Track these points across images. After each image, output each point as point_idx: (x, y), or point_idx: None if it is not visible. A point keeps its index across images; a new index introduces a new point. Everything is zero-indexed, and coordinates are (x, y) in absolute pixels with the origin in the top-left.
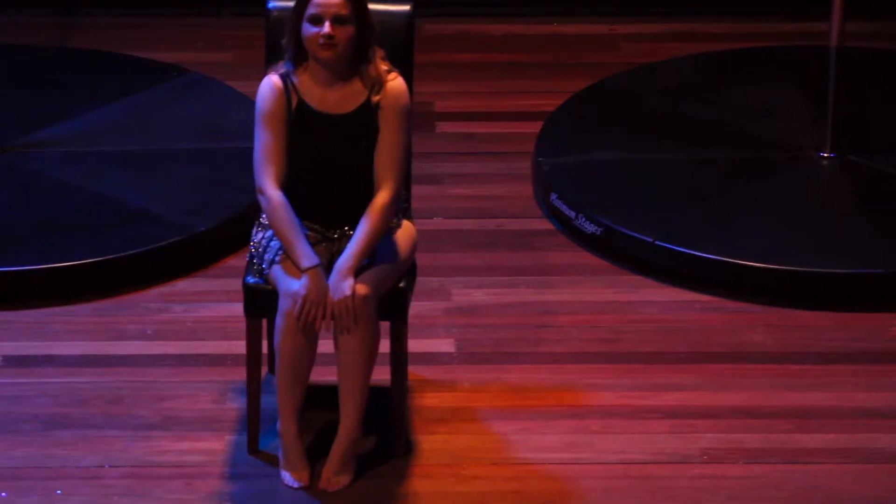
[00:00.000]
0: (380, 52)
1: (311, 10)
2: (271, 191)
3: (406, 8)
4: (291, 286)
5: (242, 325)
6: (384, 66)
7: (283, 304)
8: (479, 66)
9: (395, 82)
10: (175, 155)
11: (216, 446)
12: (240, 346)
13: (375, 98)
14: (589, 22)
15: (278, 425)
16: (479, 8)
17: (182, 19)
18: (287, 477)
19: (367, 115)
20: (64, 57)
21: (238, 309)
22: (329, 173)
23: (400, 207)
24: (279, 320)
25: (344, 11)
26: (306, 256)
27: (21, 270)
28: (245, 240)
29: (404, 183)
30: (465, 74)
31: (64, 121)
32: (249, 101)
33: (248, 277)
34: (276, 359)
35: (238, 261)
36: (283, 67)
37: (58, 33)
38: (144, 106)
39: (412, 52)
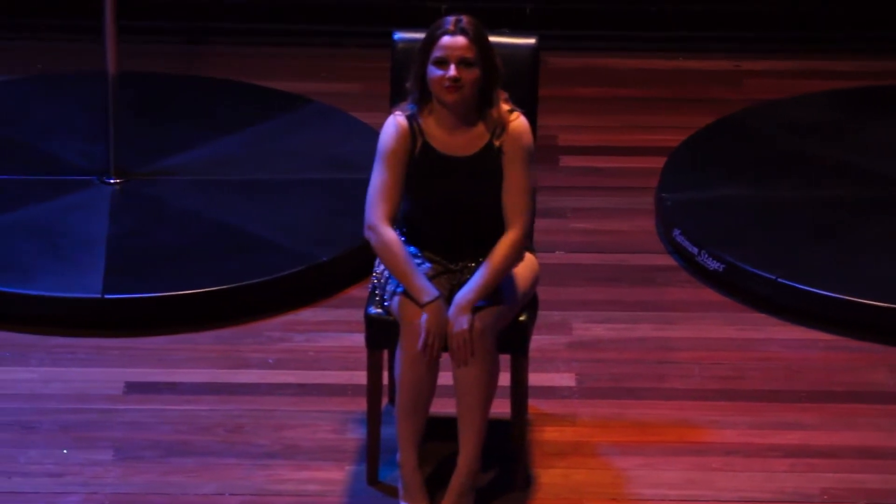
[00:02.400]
0: (503, 95)
1: (436, 53)
2: (383, 228)
3: (531, 41)
4: (412, 318)
5: (363, 356)
6: (507, 107)
7: (404, 336)
8: (602, 101)
9: (517, 122)
10: (299, 185)
11: (336, 476)
12: (360, 377)
13: (497, 142)
14: (714, 58)
15: (398, 456)
16: (604, 42)
17: (308, 49)
18: None
19: (489, 158)
20: (190, 85)
21: (359, 339)
22: (452, 214)
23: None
24: (400, 352)
25: (469, 54)
26: (424, 291)
27: (144, 297)
28: (367, 271)
29: (532, 222)
30: (588, 108)
31: (188, 149)
32: (373, 132)
33: (370, 308)
34: (396, 390)
35: (360, 291)
36: (408, 108)
37: (184, 62)
38: (269, 135)
39: (537, 86)
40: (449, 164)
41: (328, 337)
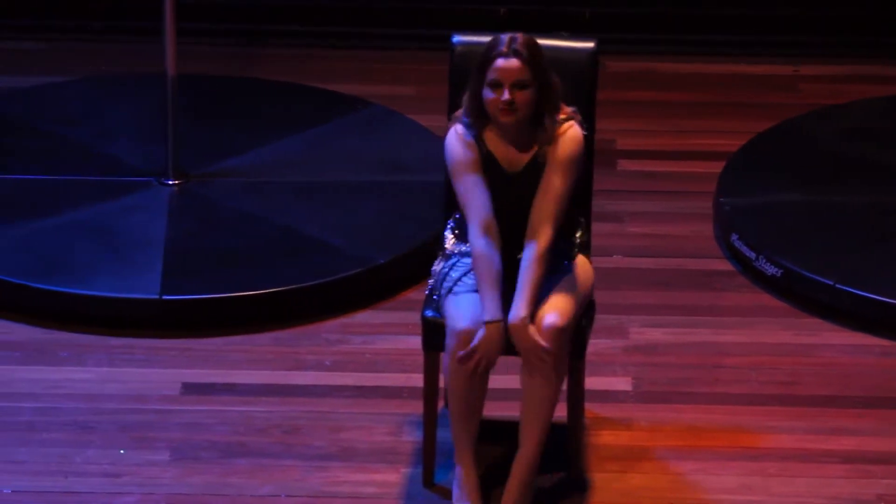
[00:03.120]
0: (565, 109)
1: (491, 75)
2: (474, 239)
3: (590, 45)
4: (458, 324)
5: (420, 359)
6: (563, 115)
7: (450, 343)
8: (661, 105)
9: (567, 132)
10: (356, 187)
11: (392, 478)
12: (417, 379)
13: (542, 152)
14: (771, 62)
15: (454, 458)
16: (663, 46)
17: (366, 52)
18: None
19: (533, 172)
20: (248, 88)
21: (416, 342)
22: (506, 222)
23: (574, 244)
24: (447, 358)
25: (524, 76)
26: (490, 310)
27: (202, 299)
28: (424, 273)
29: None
30: (646, 112)
31: (246, 151)
32: (431, 135)
33: (427, 311)
34: (447, 394)
35: (417, 294)
36: (464, 120)
37: (243, 64)
38: (327, 138)
39: (595, 89)
40: (504, 179)
41: (385, 339)
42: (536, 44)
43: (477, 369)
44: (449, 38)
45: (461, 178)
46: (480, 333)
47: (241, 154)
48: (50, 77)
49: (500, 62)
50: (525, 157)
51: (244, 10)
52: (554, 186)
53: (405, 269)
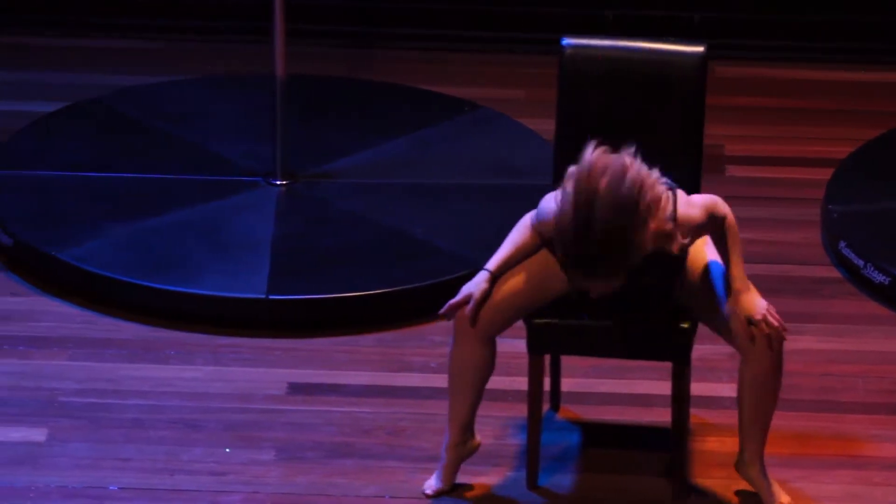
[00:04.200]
0: (661, 221)
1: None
2: (526, 220)
3: (700, 49)
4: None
5: (524, 361)
6: (666, 227)
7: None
8: (770, 111)
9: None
10: (463, 190)
11: (495, 481)
12: (521, 382)
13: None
14: (883, 69)
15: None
16: (772, 52)
17: (476, 55)
18: (429, 482)
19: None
20: (357, 89)
21: (521, 345)
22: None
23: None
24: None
25: (609, 288)
26: (491, 260)
27: (308, 299)
28: None
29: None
30: (755, 118)
31: (354, 152)
32: (539, 139)
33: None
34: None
35: None
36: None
37: (352, 66)
38: (435, 140)
39: (704, 94)
40: None
41: None
42: (614, 226)
43: (453, 311)
44: (559, 41)
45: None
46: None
47: (348, 155)
48: (162, 76)
49: (584, 284)
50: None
51: (355, 11)
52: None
53: None
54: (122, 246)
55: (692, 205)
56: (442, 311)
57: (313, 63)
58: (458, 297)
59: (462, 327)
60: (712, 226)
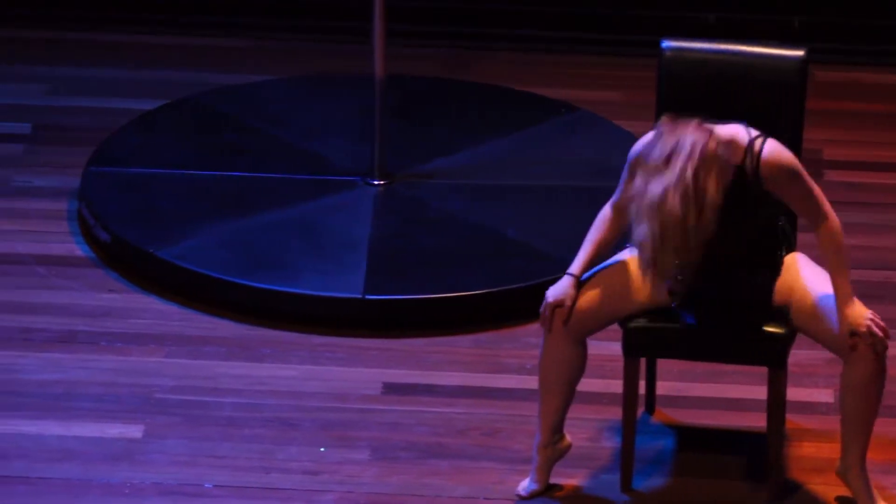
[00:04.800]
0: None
1: None
2: (605, 207)
3: (800, 53)
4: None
5: (620, 364)
6: (740, 144)
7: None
8: (869, 116)
9: (769, 155)
10: (560, 191)
11: (589, 484)
12: (616, 385)
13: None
14: None
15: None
16: (872, 57)
17: (574, 57)
18: (523, 483)
19: (738, 193)
20: (455, 90)
21: (616, 348)
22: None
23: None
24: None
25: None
26: (573, 263)
27: (404, 299)
28: None
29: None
30: (854, 123)
31: (452, 153)
32: (636, 141)
33: None
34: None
35: None
36: None
37: (451, 67)
38: (531, 141)
39: (804, 98)
40: None
41: None
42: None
43: (547, 325)
44: (658, 43)
45: (628, 167)
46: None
47: (446, 156)
48: (260, 75)
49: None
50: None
51: (455, 13)
52: (795, 192)
53: None
54: (219, 244)
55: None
56: (541, 323)
57: (412, 63)
58: (548, 306)
59: (553, 328)
60: (795, 186)
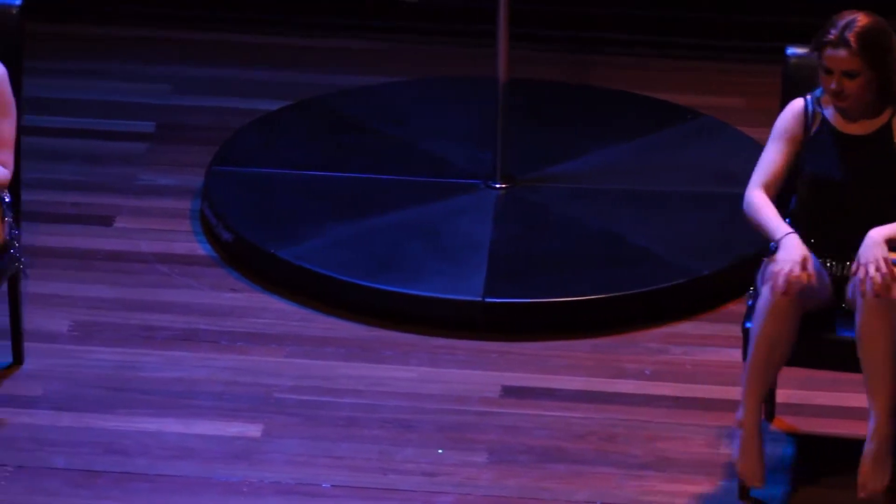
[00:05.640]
0: None
1: (823, 61)
2: (750, 192)
3: None
4: (772, 266)
5: (740, 371)
6: None
7: (765, 291)
8: None
9: None
10: (682, 197)
11: (707, 490)
12: (735, 392)
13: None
14: None
15: (740, 414)
16: None
17: (698, 62)
18: (742, 475)
19: (886, 138)
20: (579, 94)
21: (737, 355)
22: (843, 197)
23: None
24: (760, 304)
25: (852, 66)
26: (779, 229)
27: (524, 303)
28: (747, 286)
29: None
30: None
31: (574, 157)
32: (760, 147)
33: (748, 323)
34: (749, 344)
35: (738, 307)
36: (816, 91)
37: (575, 71)
38: (655, 147)
39: None
40: (845, 142)
41: (706, 351)
42: (875, 30)
43: (790, 289)
44: (783, 50)
45: (771, 144)
46: (780, 251)
47: (568, 160)
48: (384, 77)
49: (828, 52)
50: (877, 123)
51: (578, 17)
52: None
53: (728, 281)
54: (340, 245)
55: None
56: (782, 288)
57: (535, 67)
58: (796, 264)
59: (781, 304)
60: None
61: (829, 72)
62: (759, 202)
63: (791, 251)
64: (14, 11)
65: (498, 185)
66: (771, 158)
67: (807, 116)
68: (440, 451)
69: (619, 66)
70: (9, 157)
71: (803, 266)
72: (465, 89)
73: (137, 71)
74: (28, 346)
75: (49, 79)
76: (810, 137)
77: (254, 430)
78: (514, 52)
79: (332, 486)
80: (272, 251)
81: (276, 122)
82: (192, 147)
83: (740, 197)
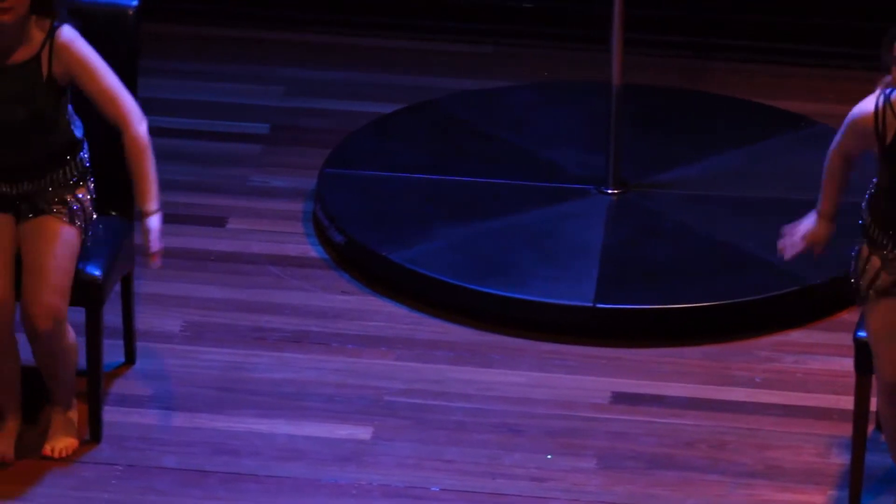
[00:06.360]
0: None
1: None
2: (831, 153)
3: None
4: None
5: (851, 381)
6: None
7: (883, 369)
8: None
9: None
10: (795, 205)
11: (816, 500)
12: (847, 402)
13: None
14: None
15: None
16: None
17: (811, 69)
18: None
19: None
20: (693, 101)
21: (848, 364)
22: None
23: None
24: (879, 385)
25: None
26: (818, 205)
27: (635, 309)
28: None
29: None
30: None
31: (687, 164)
32: (873, 157)
33: (860, 332)
34: (879, 418)
35: (851, 316)
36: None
37: (689, 77)
38: (768, 154)
39: None
40: None
41: (817, 360)
42: None
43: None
44: None
45: (842, 130)
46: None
47: (681, 166)
48: (495, 80)
49: None
50: None
51: (694, 23)
52: None
53: (840, 289)
54: (452, 249)
55: None
56: (786, 254)
57: (648, 72)
58: (806, 236)
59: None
60: None
61: None
62: (829, 172)
63: (801, 226)
64: (131, 12)
65: (610, 191)
66: (842, 144)
67: (877, 119)
68: (549, 456)
69: (733, 72)
70: (129, 102)
71: (805, 240)
72: (578, 94)
73: (252, 72)
74: (140, 345)
75: (164, 80)
76: (887, 145)
77: (363, 432)
78: (627, 57)
79: (441, 489)
80: (384, 254)
81: (389, 124)
82: (306, 149)
83: (852, 205)
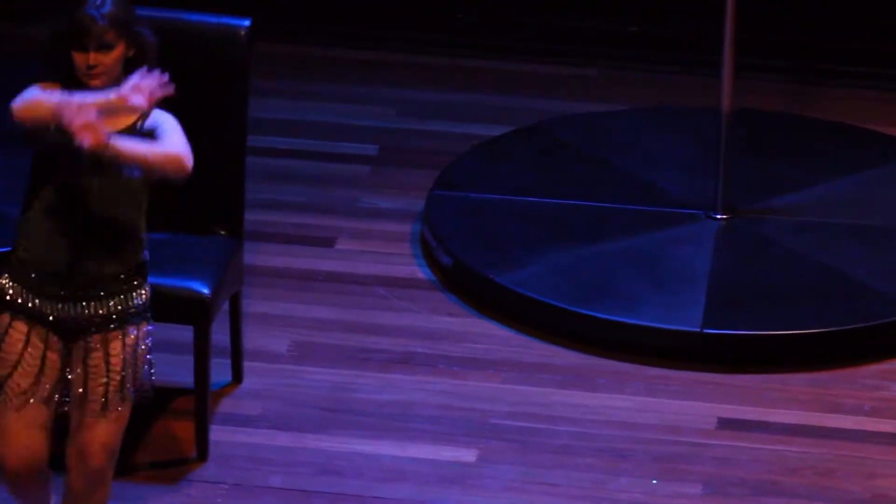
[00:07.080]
0: None
1: None
2: None
3: None
4: None
5: None
6: None
7: None
8: None
9: None
10: None
11: None
12: None
13: None
14: None
15: None
16: None
17: None
18: None
19: None
20: (802, 126)
21: None
22: None
23: None
24: None
25: None
26: None
27: (742, 335)
28: None
29: None
30: None
31: (797, 189)
32: None
33: None
34: None
35: None
36: None
37: (799, 102)
38: (879, 181)
39: None
40: None
41: None
42: None
43: None
44: None
45: None
46: None
47: (791, 192)
48: (602, 104)
49: None
50: None
51: (803, 47)
52: None
53: None
54: (558, 272)
55: None
56: None
57: (758, 97)
58: None
59: None
60: None
61: None
62: None
63: None
64: (243, 32)
65: (719, 216)
66: None
67: None
68: (654, 481)
69: (844, 97)
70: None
71: None
72: (686, 118)
73: (362, 93)
74: (247, 364)
75: (274, 100)
76: None
77: (468, 454)
78: (736, 81)
79: None
80: (491, 276)
81: (497, 147)
82: (414, 170)
83: None
